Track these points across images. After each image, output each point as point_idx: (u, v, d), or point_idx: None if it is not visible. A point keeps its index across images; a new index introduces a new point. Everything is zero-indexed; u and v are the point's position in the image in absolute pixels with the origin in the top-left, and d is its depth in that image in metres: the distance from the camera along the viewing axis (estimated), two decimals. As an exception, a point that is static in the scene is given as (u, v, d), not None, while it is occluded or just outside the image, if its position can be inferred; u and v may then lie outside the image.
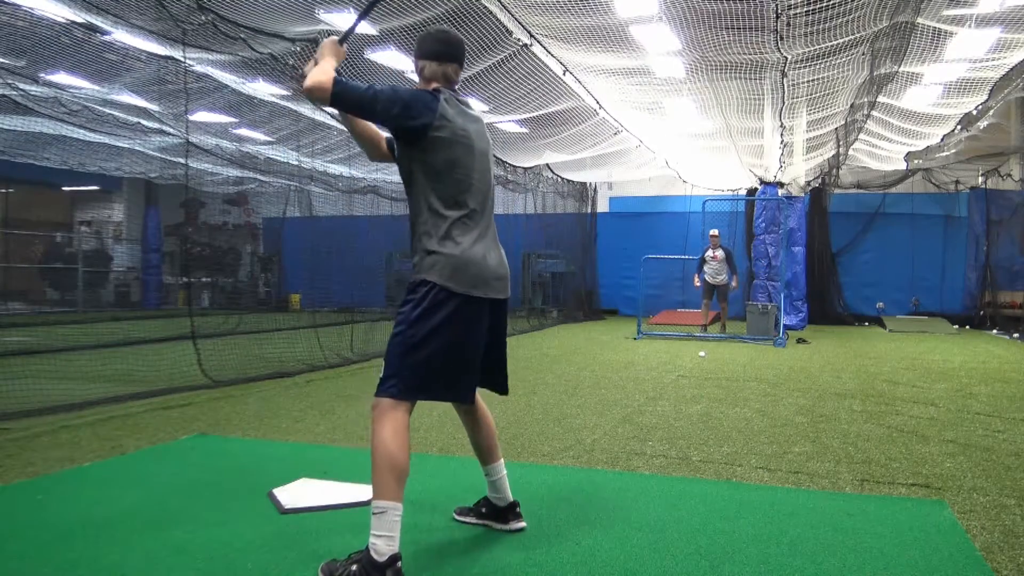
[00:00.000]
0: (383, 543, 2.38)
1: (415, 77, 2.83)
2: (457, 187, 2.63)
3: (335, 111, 2.90)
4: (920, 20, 7.58)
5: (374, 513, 2.42)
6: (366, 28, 7.74)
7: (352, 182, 16.05)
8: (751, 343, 11.27)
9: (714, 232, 12.83)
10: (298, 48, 7.65)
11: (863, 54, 8.13)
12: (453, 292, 2.57)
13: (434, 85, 2.71)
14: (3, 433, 4.63)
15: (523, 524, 2.96)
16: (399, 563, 2.39)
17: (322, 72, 2.49)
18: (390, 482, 2.43)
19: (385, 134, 2.91)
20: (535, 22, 7.58)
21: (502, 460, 2.97)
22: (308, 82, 2.48)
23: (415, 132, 2.56)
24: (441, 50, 2.74)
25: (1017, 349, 10.92)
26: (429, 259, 2.60)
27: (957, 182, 16.01)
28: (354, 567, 2.40)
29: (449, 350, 2.58)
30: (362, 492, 3.25)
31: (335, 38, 2.69)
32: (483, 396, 2.92)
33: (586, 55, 8.59)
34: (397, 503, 2.43)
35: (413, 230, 2.69)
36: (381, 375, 2.57)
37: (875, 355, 9.68)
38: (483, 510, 3.00)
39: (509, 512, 2.95)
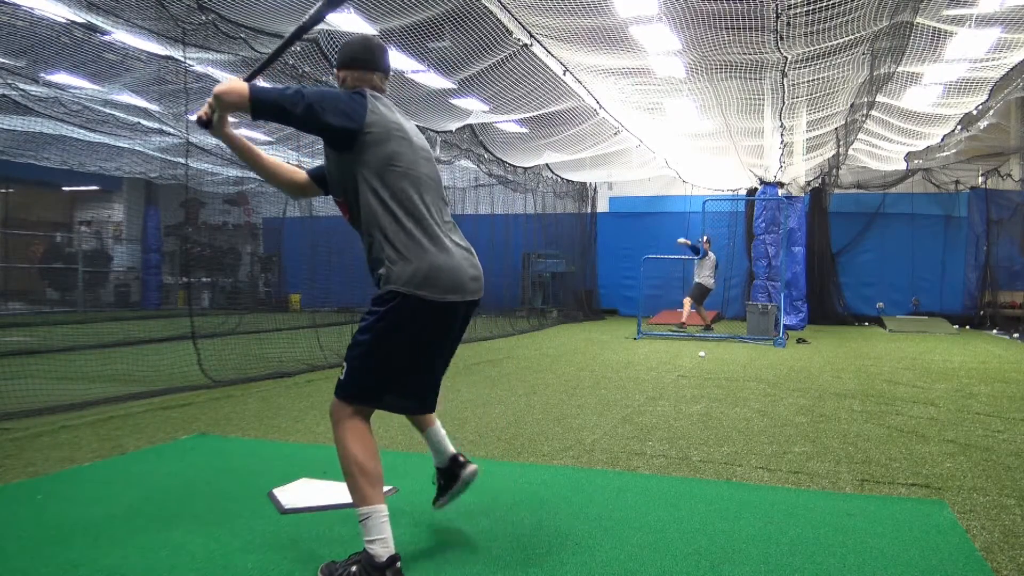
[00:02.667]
0: (378, 546, 2.37)
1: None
2: (403, 181, 2.47)
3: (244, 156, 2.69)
4: (920, 20, 7.58)
5: (360, 520, 2.40)
6: (366, 28, 7.74)
7: (352, 182, 16.01)
8: (751, 343, 11.27)
9: (704, 237, 13.10)
10: (298, 48, 7.64)
11: (863, 54, 8.13)
12: (426, 300, 2.43)
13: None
14: (3, 433, 4.63)
15: (475, 467, 2.90)
16: (399, 563, 2.38)
17: (233, 80, 2.39)
18: (366, 488, 2.41)
19: (312, 166, 2.77)
20: (535, 22, 7.58)
21: (437, 422, 2.90)
22: (220, 87, 2.33)
23: (347, 132, 2.42)
24: (366, 58, 2.62)
25: (1017, 349, 10.92)
26: (397, 268, 2.42)
27: (957, 182, 16.01)
28: (354, 568, 2.39)
29: (416, 361, 2.53)
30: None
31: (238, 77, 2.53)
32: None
33: (586, 55, 8.59)
34: (379, 505, 2.40)
35: (369, 244, 2.50)
36: (340, 377, 2.53)
37: (875, 355, 9.67)
38: (442, 483, 2.95)
39: (456, 467, 2.89)
